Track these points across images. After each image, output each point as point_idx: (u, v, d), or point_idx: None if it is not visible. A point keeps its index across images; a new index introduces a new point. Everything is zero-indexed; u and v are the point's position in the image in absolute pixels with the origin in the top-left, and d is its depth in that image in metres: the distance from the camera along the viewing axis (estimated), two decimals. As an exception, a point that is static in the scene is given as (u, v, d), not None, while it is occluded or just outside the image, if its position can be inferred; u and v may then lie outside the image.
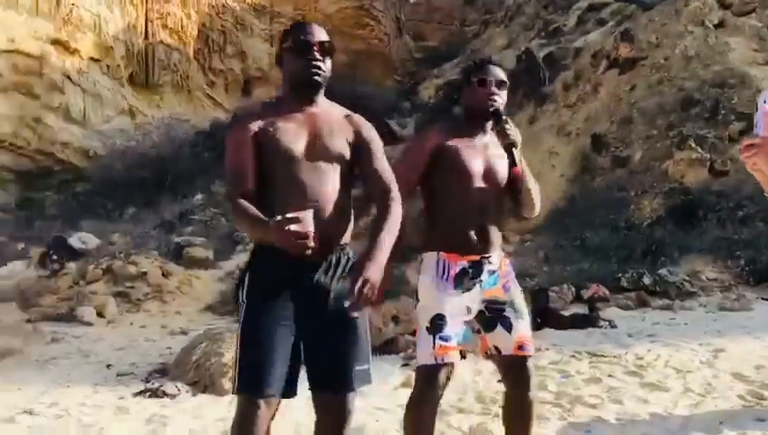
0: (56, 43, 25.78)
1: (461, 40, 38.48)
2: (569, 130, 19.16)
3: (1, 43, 24.16)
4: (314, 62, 2.30)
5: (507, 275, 2.77)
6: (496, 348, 2.69)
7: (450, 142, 2.75)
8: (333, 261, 2.26)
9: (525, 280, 10.35)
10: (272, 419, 2.15)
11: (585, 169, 17.31)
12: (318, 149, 2.29)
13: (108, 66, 27.86)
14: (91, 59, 27.05)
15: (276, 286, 2.19)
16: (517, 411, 2.68)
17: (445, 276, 2.66)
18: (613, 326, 7.99)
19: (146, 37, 30.06)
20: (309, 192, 2.23)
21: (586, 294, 10.08)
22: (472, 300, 2.66)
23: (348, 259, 2.32)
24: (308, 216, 1.98)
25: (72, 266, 12.58)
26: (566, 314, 8.72)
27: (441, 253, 2.69)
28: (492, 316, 2.69)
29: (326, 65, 2.34)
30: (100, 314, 10.71)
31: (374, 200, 2.37)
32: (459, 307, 2.63)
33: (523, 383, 2.65)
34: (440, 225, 2.76)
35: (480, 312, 2.70)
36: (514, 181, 2.76)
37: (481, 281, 2.68)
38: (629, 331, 7.64)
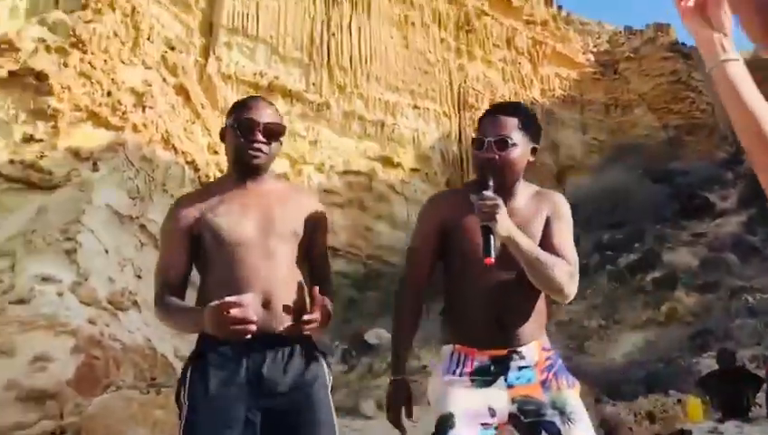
0: (382, 159, 29.29)
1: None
2: None
3: (338, 165, 28.28)
4: (255, 144, 2.17)
5: (549, 370, 2.22)
6: None
7: (456, 213, 2.30)
8: (285, 353, 2.04)
9: None
10: None
11: None
12: (266, 230, 2.11)
13: (426, 174, 30.61)
14: (412, 169, 30.07)
15: (222, 383, 1.99)
16: None
17: (458, 371, 2.22)
18: None
19: (459, 141, 32.46)
20: (255, 276, 2.03)
21: None
22: (496, 399, 2.17)
23: (308, 350, 2.10)
24: (247, 298, 1.84)
25: (364, 361, 13.90)
26: None
27: (456, 345, 2.27)
28: (531, 421, 2.14)
29: (270, 148, 2.19)
30: (380, 407, 11.62)
31: (315, 279, 2.19)
32: (476, 407, 2.14)
33: None
34: (454, 313, 2.33)
35: (513, 416, 2.17)
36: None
37: (506, 376, 2.18)
38: None
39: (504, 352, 2.21)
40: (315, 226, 2.25)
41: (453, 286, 2.33)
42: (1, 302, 11.83)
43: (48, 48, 16.88)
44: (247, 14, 26.27)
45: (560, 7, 43.55)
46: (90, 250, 14.14)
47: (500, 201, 2.10)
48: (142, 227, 15.86)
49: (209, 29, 26.16)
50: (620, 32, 42.79)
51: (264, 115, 2.21)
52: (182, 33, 24.92)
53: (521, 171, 2.35)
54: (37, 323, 11.20)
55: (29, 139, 16.17)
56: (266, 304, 2.02)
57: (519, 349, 2.21)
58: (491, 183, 2.16)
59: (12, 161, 15.83)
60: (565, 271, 2.20)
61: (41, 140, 16.24)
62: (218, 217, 2.12)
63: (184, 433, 1.99)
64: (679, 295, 18.29)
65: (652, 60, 37.69)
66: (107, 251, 14.70)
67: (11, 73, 16.45)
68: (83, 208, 14.76)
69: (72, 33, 17.31)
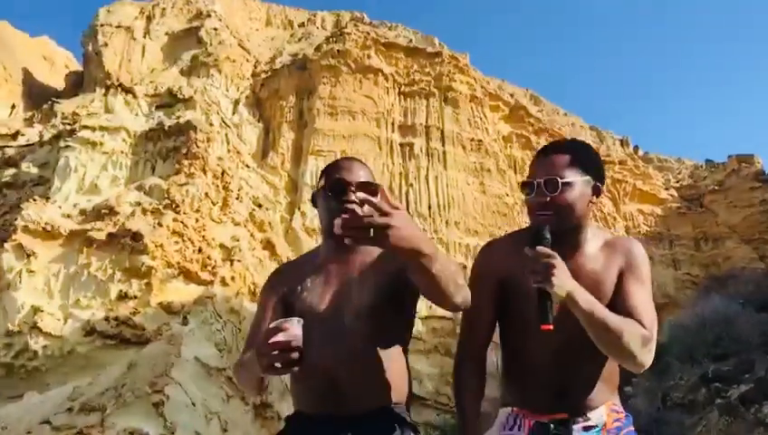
0: (466, 304, 28.97)
1: None
2: None
3: (422, 310, 28.04)
4: (349, 205, 1.96)
5: (618, 432, 2.03)
6: None
7: (513, 267, 2.04)
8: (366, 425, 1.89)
9: None
10: None
11: None
12: (339, 305, 1.99)
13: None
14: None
15: None
16: None
17: (513, 429, 2.07)
18: None
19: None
20: (326, 352, 1.91)
21: None
22: None
23: (395, 424, 1.91)
24: (293, 323, 1.71)
25: None
26: None
27: (515, 408, 2.13)
28: None
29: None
30: None
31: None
32: None
33: None
34: (512, 378, 2.16)
35: None
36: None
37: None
38: None
39: (566, 416, 2.03)
40: (394, 269, 1.97)
41: (511, 349, 2.15)
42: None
43: (144, 210, 18.07)
44: (328, 172, 27.53)
45: (636, 147, 43.78)
46: (177, 403, 14.21)
47: (556, 258, 1.82)
48: (229, 379, 15.93)
49: (294, 187, 27.46)
50: (701, 166, 42.30)
51: (357, 172, 2.04)
52: (269, 193, 26.25)
53: (582, 215, 2.05)
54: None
55: (124, 296, 16.94)
56: (333, 386, 1.90)
57: (580, 416, 2.03)
58: (547, 234, 1.88)
59: (107, 319, 16.51)
60: (638, 336, 1.91)
61: (135, 297, 16.96)
62: (302, 292, 2.04)
63: None
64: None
65: (738, 191, 36.77)
66: (194, 404, 14.74)
67: (110, 236, 17.58)
68: (172, 362, 15.02)
69: (166, 195, 18.55)
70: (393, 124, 30.07)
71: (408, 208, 28.60)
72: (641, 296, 2.04)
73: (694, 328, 20.04)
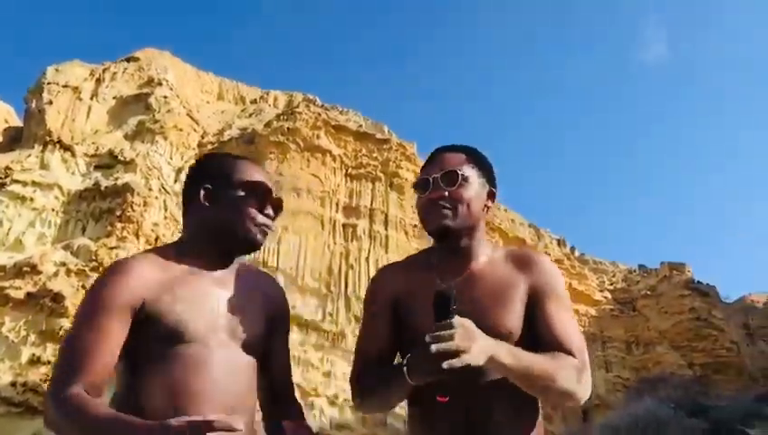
0: (398, 394, 28.28)
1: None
2: None
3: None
4: (269, 222, 1.75)
5: None
6: None
7: (405, 286, 1.87)
8: None
9: None
10: None
11: None
12: (229, 331, 1.62)
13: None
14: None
15: None
16: None
17: None
18: None
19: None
20: (216, 395, 1.52)
21: None
22: None
23: None
24: (237, 422, 1.32)
25: None
26: None
27: None
28: None
29: (273, 225, 1.78)
30: None
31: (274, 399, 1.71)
32: None
33: None
34: (416, 417, 1.83)
35: None
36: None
37: None
38: None
39: None
40: (277, 324, 1.77)
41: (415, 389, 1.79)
42: None
43: (69, 271, 17.17)
44: (268, 248, 27.05)
45: (573, 248, 44.74)
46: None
47: (462, 327, 1.54)
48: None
49: (230, 261, 26.82)
50: (635, 270, 43.37)
51: (272, 185, 1.80)
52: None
53: (478, 219, 1.86)
54: None
55: (36, 360, 15.80)
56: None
57: None
58: (452, 296, 1.57)
59: (14, 384, 15.33)
60: (572, 372, 1.69)
61: (48, 362, 15.84)
62: (174, 303, 1.57)
63: None
64: None
65: (670, 297, 37.65)
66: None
67: (28, 295, 16.57)
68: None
69: (94, 257, 17.74)
70: (338, 204, 30.04)
71: (346, 290, 28.17)
72: (563, 320, 1.79)
73: (625, 430, 19.93)
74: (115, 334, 1.52)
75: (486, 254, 1.89)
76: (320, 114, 32.15)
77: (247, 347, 1.65)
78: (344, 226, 29.66)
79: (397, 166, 31.98)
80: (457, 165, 1.84)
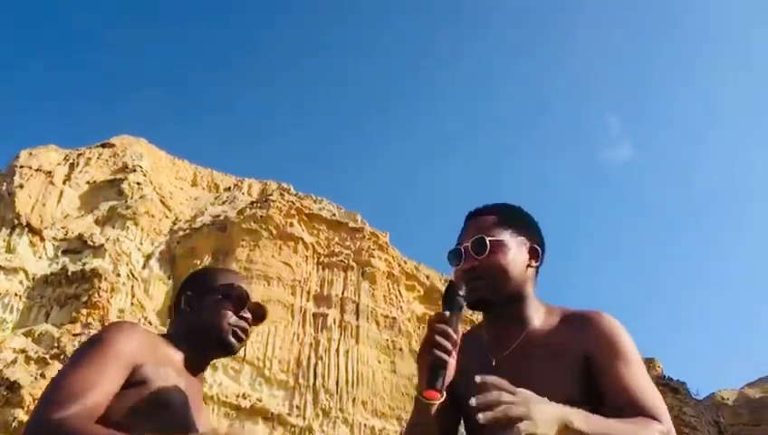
0: None
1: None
2: None
3: None
4: (244, 323, 1.86)
5: None
6: None
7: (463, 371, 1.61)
8: None
9: None
10: None
11: None
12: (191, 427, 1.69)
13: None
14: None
15: None
16: None
17: None
18: None
19: None
20: None
21: None
22: None
23: None
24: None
25: None
26: None
27: None
28: None
29: (249, 329, 1.89)
30: None
31: None
32: None
33: None
34: None
35: None
36: None
37: None
38: None
39: None
40: None
41: None
42: None
43: (28, 359, 16.56)
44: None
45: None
46: None
47: (521, 400, 1.31)
48: None
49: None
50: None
51: (253, 295, 1.93)
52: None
53: (521, 282, 1.71)
54: None
55: (-16, 455, 14.98)
56: None
57: None
58: (462, 300, 1.50)
59: (-41, 480, 14.47)
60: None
61: (-3, 457, 15.03)
62: (161, 379, 1.67)
63: None
64: None
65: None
66: None
67: (-17, 386, 15.88)
68: None
69: (56, 344, 17.19)
70: (309, 293, 29.79)
71: (314, 382, 27.56)
72: (636, 379, 1.58)
73: None
74: (114, 382, 1.58)
75: (540, 318, 1.74)
76: (293, 202, 32.33)
77: None
78: (314, 315, 29.32)
79: (369, 255, 32.01)
80: (487, 229, 1.70)
